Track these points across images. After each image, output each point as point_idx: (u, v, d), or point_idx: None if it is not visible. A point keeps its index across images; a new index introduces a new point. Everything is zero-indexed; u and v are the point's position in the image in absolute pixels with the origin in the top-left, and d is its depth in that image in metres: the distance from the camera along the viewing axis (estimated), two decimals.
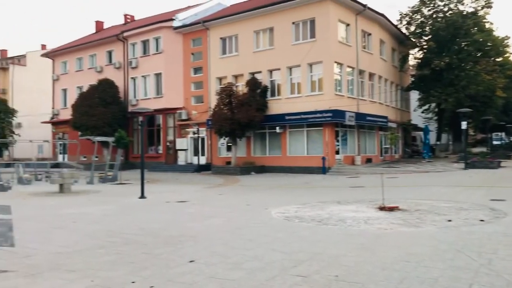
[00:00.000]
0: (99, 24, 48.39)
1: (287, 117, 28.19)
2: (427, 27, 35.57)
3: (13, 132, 47.63)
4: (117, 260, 6.56)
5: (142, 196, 15.56)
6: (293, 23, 28.61)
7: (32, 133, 45.42)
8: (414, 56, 39.41)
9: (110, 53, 39.57)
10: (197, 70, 33.97)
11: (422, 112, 40.98)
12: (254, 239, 8.03)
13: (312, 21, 27.81)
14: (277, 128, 28.61)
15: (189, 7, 38.16)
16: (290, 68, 28.96)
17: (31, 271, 6.00)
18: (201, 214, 11.50)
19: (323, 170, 26.06)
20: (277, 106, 29.03)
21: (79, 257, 6.79)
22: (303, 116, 27.47)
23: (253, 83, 29.39)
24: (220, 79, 32.26)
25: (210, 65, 32.80)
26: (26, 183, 22.53)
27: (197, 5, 38.08)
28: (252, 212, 11.75)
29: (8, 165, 31.63)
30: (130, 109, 36.24)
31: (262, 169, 28.69)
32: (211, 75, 32.64)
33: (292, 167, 27.69)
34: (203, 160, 33.02)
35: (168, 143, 35.60)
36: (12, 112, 47.98)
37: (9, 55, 60.58)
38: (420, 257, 6.36)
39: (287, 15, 28.77)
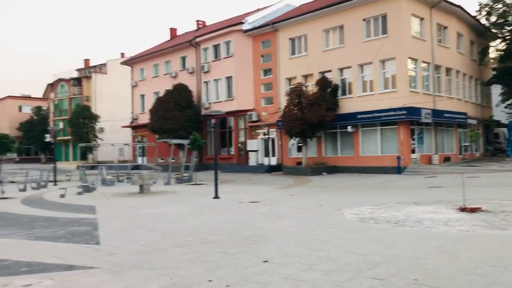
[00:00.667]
0: (173, 31, 50.26)
1: (359, 116, 27.59)
2: (510, 17, 33.25)
3: (97, 137, 50.78)
4: (194, 259, 6.77)
5: (216, 197, 15.94)
6: (364, 19, 27.96)
7: (114, 137, 48.11)
8: (496, 48, 36.96)
9: (183, 58, 40.99)
10: (266, 71, 34.25)
11: (506, 107, 38.33)
12: (328, 240, 7.95)
13: (384, 17, 27.03)
14: (349, 127, 28.09)
15: (258, 10, 38.57)
16: (362, 66, 28.33)
17: (115, 268, 6.36)
18: (273, 215, 11.57)
19: (398, 170, 25.21)
20: (348, 105, 28.52)
21: (158, 256, 7.10)
22: (376, 115, 26.74)
23: (323, 82, 29.09)
24: (289, 79, 32.29)
25: (279, 66, 32.93)
26: (109, 184, 23.92)
27: (266, 7, 38.38)
28: (325, 213, 11.64)
29: (92, 168, 33.73)
30: (203, 112, 37.26)
31: (333, 170, 28.31)
32: (281, 76, 32.75)
33: (365, 167, 27.06)
34: (273, 161, 33.21)
35: (239, 145, 36.20)
36: (95, 118, 51.20)
37: (92, 64, 64.62)
38: (508, 261, 5.96)
39: (357, 12, 28.19)
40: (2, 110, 75.59)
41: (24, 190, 20.86)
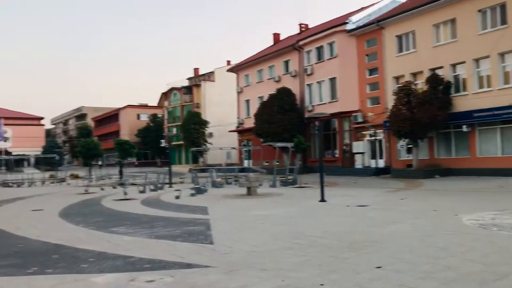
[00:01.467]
0: (276, 36, 51.06)
1: (475, 114, 25.61)
2: None
3: (206, 141, 53.31)
4: (304, 262, 6.77)
5: (322, 200, 15.81)
6: (479, 11, 25.95)
7: (221, 141, 50.11)
8: None
9: (286, 62, 41.43)
10: (372, 71, 33.29)
11: None
12: (446, 247, 7.46)
13: (502, 6, 24.84)
14: (464, 127, 26.18)
15: (362, 9, 37.68)
16: (477, 60, 26.29)
17: (229, 268, 6.58)
18: (384, 219, 11.17)
19: None
20: (462, 103, 26.61)
21: (269, 257, 7.21)
22: (495, 112, 24.63)
23: (433, 79, 27.51)
24: (397, 78, 31.02)
25: (385, 65, 31.81)
26: (219, 186, 24.95)
27: (370, 5, 37.35)
28: (440, 218, 10.96)
29: (203, 170, 35.40)
30: (306, 115, 37.29)
31: (447, 172, 26.56)
32: (387, 75, 31.60)
33: (482, 169, 24.99)
34: (381, 163, 32.12)
35: (344, 147, 35.58)
36: (205, 123, 53.79)
37: (201, 72, 68.05)
38: None
39: (471, 3, 26.24)
40: (123, 118, 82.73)
41: (143, 191, 22.55)
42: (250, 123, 42.84)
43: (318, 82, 37.34)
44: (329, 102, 35.90)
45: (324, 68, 36.58)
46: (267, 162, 39.37)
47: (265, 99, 40.40)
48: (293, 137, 30.88)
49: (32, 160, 63.58)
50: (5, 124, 71.46)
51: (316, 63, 37.45)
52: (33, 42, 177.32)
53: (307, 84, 38.47)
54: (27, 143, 71.77)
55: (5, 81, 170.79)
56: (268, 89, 41.20)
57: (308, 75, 38.03)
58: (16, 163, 50.60)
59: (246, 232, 9.86)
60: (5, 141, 70.00)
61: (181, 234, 9.85)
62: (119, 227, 11.14)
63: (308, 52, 38.54)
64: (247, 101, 46.87)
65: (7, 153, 64.82)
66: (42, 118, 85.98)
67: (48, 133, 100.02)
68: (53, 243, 9.10)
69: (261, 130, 37.50)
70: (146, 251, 8.00)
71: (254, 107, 42.72)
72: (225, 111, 56.77)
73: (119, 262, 7.22)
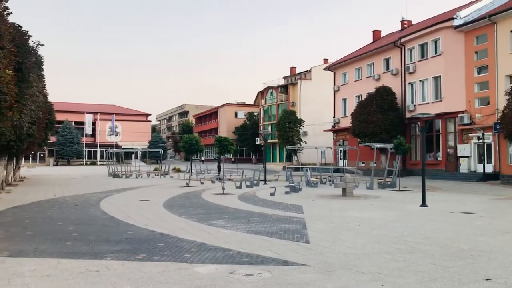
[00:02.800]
0: (376, 33, 49.56)
1: None
2: None
3: (301, 140, 53.37)
4: (404, 268, 6.53)
5: (423, 204, 15.08)
6: None
7: (316, 140, 49.88)
8: None
9: (387, 60, 40.05)
10: (481, 69, 30.99)
11: None
12: None
13: None
14: None
15: (471, 3, 35.22)
16: None
17: (325, 268, 6.55)
18: (492, 228, 10.37)
19: None
20: None
21: (367, 260, 7.05)
22: None
23: None
24: (510, 76, 28.56)
25: (498, 62, 29.41)
26: (313, 186, 24.87)
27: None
28: None
29: (297, 169, 35.55)
30: (407, 115, 35.77)
31: None
32: (499, 73, 29.21)
33: None
34: (489, 168, 29.79)
35: (448, 150, 33.57)
36: (300, 122, 53.88)
37: (297, 71, 68.22)
38: None
39: None
40: (222, 116, 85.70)
41: (240, 187, 23.19)
42: (346, 122, 42.11)
43: (421, 80, 35.63)
44: (433, 102, 34.10)
45: (427, 66, 34.80)
46: (363, 163, 38.41)
47: (363, 98, 39.45)
48: (392, 138, 29.80)
49: (139, 154, 68.30)
50: (117, 120, 77.52)
51: (419, 61, 35.75)
52: (140, 44, 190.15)
53: (409, 83, 36.87)
54: (135, 138, 77.37)
55: (118, 81, 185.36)
56: (366, 88, 40.19)
57: (410, 73, 36.44)
58: (125, 156, 54.74)
59: (342, 234, 9.74)
60: (116, 135, 76.02)
61: (277, 231, 9.99)
62: (218, 220, 11.59)
63: (411, 49, 36.91)
64: (344, 100, 46.10)
65: (117, 146, 70.30)
66: (148, 115, 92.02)
67: (154, 128, 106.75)
68: (159, 232, 9.72)
69: (358, 130, 36.65)
70: (244, 245, 8.24)
71: (351, 106, 41.92)
72: (320, 110, 56.40)
73: (219, 254, 7.52)
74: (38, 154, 66.74)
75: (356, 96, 42.68)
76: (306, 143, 51.51)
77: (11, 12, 8.03)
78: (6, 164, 24.37)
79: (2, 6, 7.65)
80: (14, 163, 27.53)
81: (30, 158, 67.11)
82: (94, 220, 11.68)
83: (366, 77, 42.31)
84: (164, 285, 5.63)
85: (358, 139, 37.18)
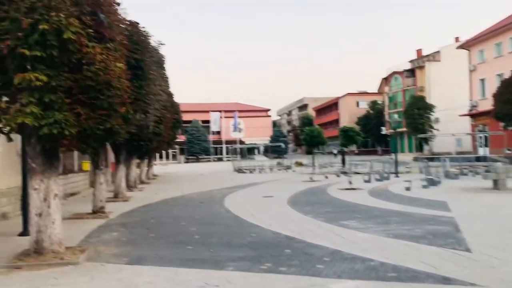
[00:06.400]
0: None
1: None
2: None
3: (432, 127, 49.10)
4: None
5: None
6: None
7: (449, 127, 45.34)
8: None
9: None
10: None
11: None
12: None
13: None
14: None
15: None
16: None
17: None
18: None
19: None
20: None
21: None
22: None
23: None
24: None
25: None
26: (453, 178, 22.08)
27: None
28: None
29: (430, 159, 32.36)
30: None
31: None
32: None
33: None
34: None
35: None
36: (430, 108, 49.64)
37: (424, 53, 63.15)
38: None
39: None
40: (343, 106, 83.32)
41: (368, 181, 21.40)
42: (486, 105, 37.41)
43: None
44: None
45: None
46: (509, 150, 33.75)
47: (506, 76, 34.60)
48: None
49: (261, 149, 69.18)
50: (239, 117, 79.58)
51: None
52: (260, 40, 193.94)
53: None
54: (257, 133, 78.63)
55: (239, 77, 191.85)
56: (510, 65, 35.21)
57: None
58: (248, 151, 55.62)
59: (509, 238, 7.78)
60: (239, 131, 78.02)
61: (424, 234, 8.36)
62: (349, 220, 10.25)
63: None
64: (482, 80, 41.17)
65: (241, 142, 72.04)
66: (269, 110, 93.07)
67: (274, 123, 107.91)
68: (284, 234, 8.70)
69: (502, 112, 32.12)
70: (386, 254, 6.83)
71: (491, 86, 37.13)
72: (453, 94, 51.33)
73: (357, 265, 6.23)
74: (170, 152, 71.17)
75: (497, 74, 37.70)
76: (438, 130, 47.16)
77: (120, 3, 7.53)
78: (139, 163, 25.62)
79: None
80: (147, 162, 28.95)
81: (164, 156, 71.85)
82: (217, 219, 11.11)
83: (509, 52, 37.13)
84: None
85: (502, 123, 32.68)
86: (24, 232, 8.63)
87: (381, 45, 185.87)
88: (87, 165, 19.80)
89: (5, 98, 6.55)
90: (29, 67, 6.05)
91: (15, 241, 8.42)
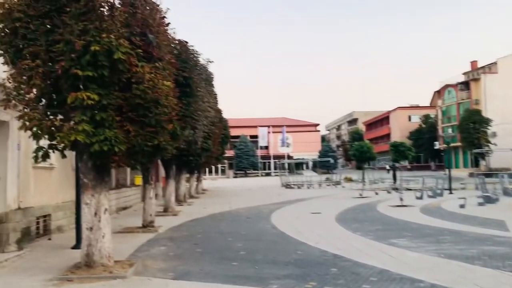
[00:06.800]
0: None
1: None
2: None
3: (489, 142, 46.94)
4: None
5: None
6: None
7: (507, 141, 43.14)
8: None
9: None
10: None
11: None
12: None
13: None
14: None
15: None
16: None
17: None
18: None
19: None
20: None
21: None
22: None
23: None
24: None
25: None
26: None
27: None
28: None
29: (487, 175, 30.90)
30: None
31: None
32: None
33: None
34: None
35: None
36: (486, 122, 47.53)
37: (479, 65, 60.81)
38: None
39: None
40: (394, 120, 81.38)
41: (420, 198, 20.70)
42: None
43: None
44: None
45: None
46: None
47: None
48: None
49: (310, 164, 68.62)
50: (287, 132, 79.52)
51: None
52: (308, 54, 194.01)
53: None
54: (305, 148, 78.12)
55: (287, 93, 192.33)
56: None
57: None
58: (296, 166, 55.33)
59: None
60: (287, 146, 77.87)
61: (479, 255, 7.94)
62: (399, 239, 9.92)
63: None
64: None
65: (289, 157, 71.83)
66: (317, 125, 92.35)
67: (323, 138, 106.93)
68: (331, 252, 8.52)
69: None
70: (438, 275, 6.53)
71: None
72: (510, 107, 48.93)
73: (406, 286, 6.00)
74: (219, 167, 72.05)
75: None
76: (495, 145, 44.98)
77: (169, 23, 7.77)
78: (188, 177, 26.08)
79: (159, 16, 7.38)
80: (196, 177, 29.44)
81: (213, 171, 72.79)
82: (263, 236, 11.07)
83: None
84: None
85: None
86: (77, 245, 8.93)
87: (432, 57, 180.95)
88: (139, 180, 20.37)
89: (60, 116, 6.88)
90: (81, 86, 6.33)
91: (69, 253, 8.74)
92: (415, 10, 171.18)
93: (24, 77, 6.44)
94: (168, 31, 8.56)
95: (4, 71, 6.98)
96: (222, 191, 33.59)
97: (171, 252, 9.03)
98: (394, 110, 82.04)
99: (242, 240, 10.37)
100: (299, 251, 8.82)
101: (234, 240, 10.31)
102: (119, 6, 6.67)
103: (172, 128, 7.48)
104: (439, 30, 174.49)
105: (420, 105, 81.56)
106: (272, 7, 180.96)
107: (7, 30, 6.58)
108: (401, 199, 18.39)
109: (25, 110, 6.61)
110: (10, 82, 6.64)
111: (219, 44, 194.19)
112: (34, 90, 6.65)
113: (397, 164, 31.30)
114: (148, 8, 7.32)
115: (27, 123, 6.54)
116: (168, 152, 7.90)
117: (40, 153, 6.78)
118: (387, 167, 38.87)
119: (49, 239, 10.78)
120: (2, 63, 6.92)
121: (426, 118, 72.73)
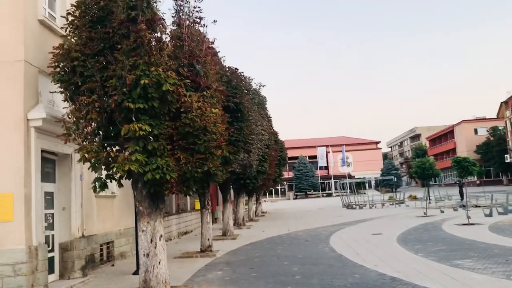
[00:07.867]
0: None
1: None
2: None
3: None
4: None
5: None
6: None
7: None
8: None
9: None
10: None
11: None
12: None
13: None
14: None
15: None
16: None
17: None
18: None
19: None
20: None
21: None
22: None
23: None
24: None
25: None
26: None
27: None
28: None
29: None
30: None
31: None
32: None
33: None
34: None
35: None
36: None
37: None
38: None
39: None
40: (459, 134, 77.93)
41: (489, 215, 19.53)
42: None
43: None
44: None
45: None
46: None
47: None
48: None
49: (372, 183, 66.92)
50: (347, 151, 78.26)
51: None
52: (368, 70, 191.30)
53: None
54: (366, 167, 76.48)
55: (346, 111, 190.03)
56: None
57: None
58: (357, 185, 54.11)
59: None
60: (347, 166, 76.52)
61: None
62: (464, 260, 9.40)
63: None
64: None
65: (350, 176, 70.47)
66: (378, 142, 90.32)
67: (385, 156, 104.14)
68: (390, 275, 8.23)
69: None
70: None
71: None
72: None
73: None
74: (279, 188, 72.01)
75: None
76: None
77: (218, 52, 8.01)
78: (247, 200, 26.26)
79: (206, 46, 7.64)
80: (255, 199, 29.58)
81: (273, 192, 72.83)
82: (320, 259, 10.87)
83: None
84: None
85: None
86: (137, 271, 9.22)
87: (495, 67, 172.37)
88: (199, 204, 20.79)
89: (115, 148, 7.24)
90: (133, 118, 6.65)
91: (130, 279, 9.04)
92: (479, 19, 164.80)
93: (82, 112, 6.86)
94: (218, 59, 8.81)
95: (64, 107, 7.47)
96: (281, 213, 33.44)
97: (227, 276, 9.10)
98: (459, 123, 78.64)
99: (298, 263, 10.26)
100: (356, 274, 8.58)
101: (290, 264, 10.22)
102: (167, 40, 6.99)
103: (221, 154, 7.64)
104: (504, 38, 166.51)
105: (487, 117, 77.66)
106: (326, 24, 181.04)
107: (66, 69, 7.08)
108: (468, 217, 17.44)
109: (84, 143, 7.02)
110: (69, 118, 7.10)
111: (276, 67, 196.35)
112: (92, 124, 7.07)
113: (464, 180, 29.77)
114: (195, 39, 7.61)
115: (86, 155, 6.94)
116: (219, 178, 8.04)
117: (98, 183, 7.15)
118: (457, 182, 37.04)
119: (113, 265, 11.21)
120: (62, 100, 7.42)
121: (493, 130, 69.07)
